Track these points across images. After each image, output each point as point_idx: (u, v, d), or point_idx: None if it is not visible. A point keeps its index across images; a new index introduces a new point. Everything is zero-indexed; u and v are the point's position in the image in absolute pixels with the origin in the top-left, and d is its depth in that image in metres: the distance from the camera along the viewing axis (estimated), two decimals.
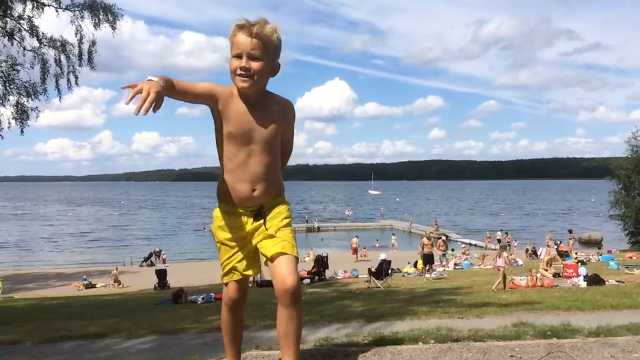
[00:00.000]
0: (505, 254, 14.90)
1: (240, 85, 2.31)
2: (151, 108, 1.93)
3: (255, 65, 2.29)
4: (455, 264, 24.85)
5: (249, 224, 2.47)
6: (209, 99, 2.35)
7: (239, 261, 2.51)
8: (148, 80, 2.06)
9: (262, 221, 2.46)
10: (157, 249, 32.38)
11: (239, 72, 2.29)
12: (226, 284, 2.58)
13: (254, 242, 2.48)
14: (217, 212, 2.55)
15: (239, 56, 2.30)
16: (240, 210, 2.47)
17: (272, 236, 2.43)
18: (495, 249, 32.78)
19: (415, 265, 22.14)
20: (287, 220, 2.50)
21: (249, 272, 2.54)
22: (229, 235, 2.49)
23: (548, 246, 25.32)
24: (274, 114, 2.45)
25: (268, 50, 2.32)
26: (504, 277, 13.65)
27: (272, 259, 2.36)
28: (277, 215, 2.49)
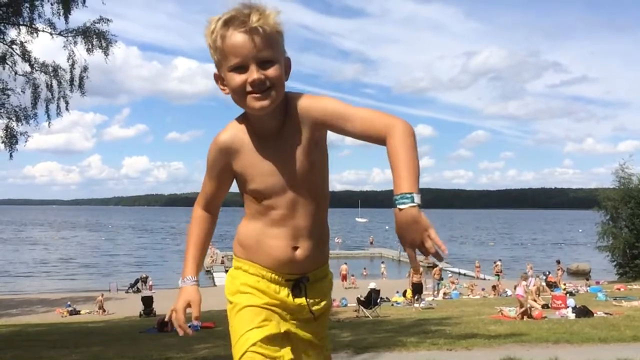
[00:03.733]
0: (524, 283, 14.86)
1: (257, 105, 1.58)
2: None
3: (271, 72, 1.57)
4: (445, 294, 24.75)
5: (282, 296, 1.74)
6: (229, 175, 1.76)
7: (272, 335, 1.67)
8: (180, 288, 1.75)
9: (302, 300, 1.75)
10: (144, 275, 31.95)
11: (249, 89, 1.57)
12: None
13: (286, 327, 1.74)
14: (234, 273, 1.80)
15: (241, 68, 1.56)
16: (272, 276, 1.73)
17: (311, 344, 1.78)
18: (485, 279, 32.82)
19: (404, 294, 22.01)
20: (327, 316, 1.86)
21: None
22: (258, 300, 1.71)
23: (537, 277, 25.29)
24: (299, 131, 1.67)
25: (278, 45, 1.61)
26: (530, 306, 13.61)
27: None
28: (322, 310, 1.82)
